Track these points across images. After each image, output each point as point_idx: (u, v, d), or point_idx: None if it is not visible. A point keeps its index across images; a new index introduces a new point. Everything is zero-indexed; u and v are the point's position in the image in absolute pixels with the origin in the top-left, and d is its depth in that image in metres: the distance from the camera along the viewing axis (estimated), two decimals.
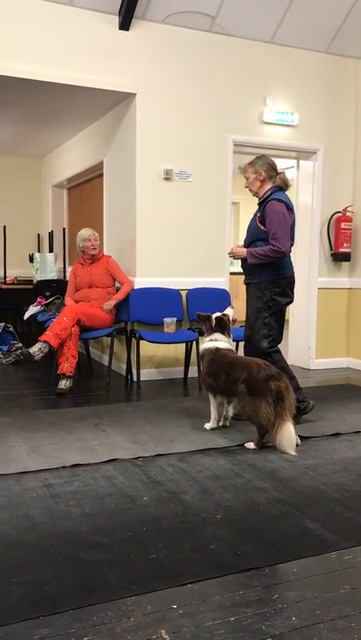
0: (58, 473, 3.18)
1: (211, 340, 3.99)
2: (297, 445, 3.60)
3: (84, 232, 5.66)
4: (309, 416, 4.22)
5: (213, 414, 4.02)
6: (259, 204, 4.17)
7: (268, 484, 3.06)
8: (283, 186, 4.14)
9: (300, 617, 1.93)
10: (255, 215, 4.19)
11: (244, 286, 4.30)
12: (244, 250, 4.13)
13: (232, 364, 3.77)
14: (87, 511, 2.70)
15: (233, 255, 4.26)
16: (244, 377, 3.62)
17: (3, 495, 2.87)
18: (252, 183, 4.15)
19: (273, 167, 4.14)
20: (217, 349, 3.91)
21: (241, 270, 4.32)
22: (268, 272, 4.08)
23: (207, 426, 4.03)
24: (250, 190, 4.23)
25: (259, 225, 4.08)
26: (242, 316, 4.26)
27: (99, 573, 2.17)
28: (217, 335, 3.99)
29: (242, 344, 4.46)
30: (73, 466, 3.27)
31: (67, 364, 5.03)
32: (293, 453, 3.51)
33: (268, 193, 4.10)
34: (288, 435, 3.51)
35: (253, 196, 4.25)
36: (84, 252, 5.67)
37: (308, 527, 2.58)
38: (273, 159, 4.23)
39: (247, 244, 4.20)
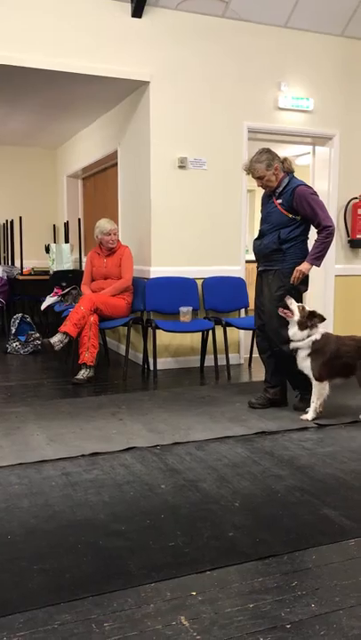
0: (77, 461, 3.20)
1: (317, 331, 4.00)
2: None
3: (105, 225, 5.58)
4: (327, 404, 4.20)
5: (317, 403, 3.98)
6: (276, 193, 4.12)
7: (285, 472, 3.06)
8: (291, 171, 4.12)
9: (319, 604, 1.93)
10: (271, 203, 4.15)
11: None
12: (305, 264, 4.03)
13: (352, 340, 3.99)
14: (106, 499, 2.72)
15: (299, 278, 4.07)
16: None
17: (22, 484, 2.90)
18: (270, 179, 4.09)
19: (278, 156, 4.11)
20: (328, 334, 4.06)
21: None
22: (292, 259, 4.06)
23: (309, 416, 3.98)
24: (265, 187, 4.16)
25: (286, 213, 4.05)
26: (251, 304, 4.23)
27: (118, 560, 2.19)
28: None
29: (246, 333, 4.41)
30: (91, 454, 3.30)
31: (87, 354, 5.05)
32: None
33: (287, 181, 4.08)
34: None
35: (266, 189, 4.19)
36: (102, 244, 5.66)
37: (326, 515, 2.58)
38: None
39: (265, 232, 4.17)
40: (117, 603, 1.93)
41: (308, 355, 3.95)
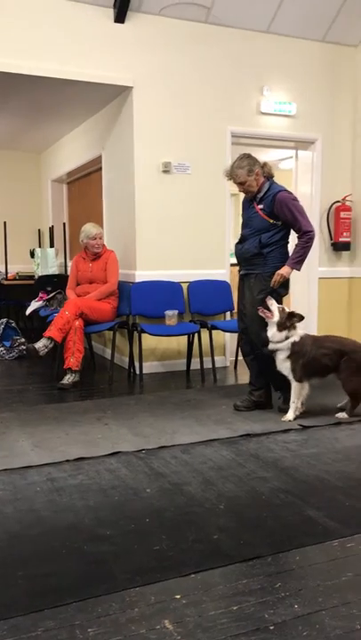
0: (61, 467, 3.20)
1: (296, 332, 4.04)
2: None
3: (91, 229, 5.60)
4: (311, 405, 4.23)
5: (297, 403, 4.05)
6: (257, 198, 4.14)
7: (270, 474, 3.08)
8: (271, 175, 4.16)
9: (302, 605, 1.95)
10: (252, 208, 4.17)
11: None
12: (285, 268, 4.07)
13: (330, 342, 4.09)
14: (91, 504, 2.72)
15: (279, 282, 4.09)
16: (351, 353, 3.99)
17: (7, 490, 2.89)
18: (251, 185, 4.11)
19: (259, 161, 4.14)
20: (307, 335, 4.14)
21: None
22: (273, 263, 4.10)
23: (290, 416, 4.03)
24: (247, 192, 4.18)
25: (267, 218, 4.08)
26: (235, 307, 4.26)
27: (103, 565, 2.19)
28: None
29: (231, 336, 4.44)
30: (76, 459, 3.30)
31: (72, 359, 5.04)
32: None
33: (268, 186, 4.11)
34: None
35: (247, 194, 4.21)
36: (87, 249, 5.66)
37: (310, 516, 2.60)
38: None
39: (246, 236, 4.20)
40: (102, 608, 1.94)
41: (288, 356, 3.99)
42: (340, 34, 5.99)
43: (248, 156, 4.13)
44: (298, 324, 4.05)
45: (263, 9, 5.57)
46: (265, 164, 4.16)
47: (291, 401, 4.05)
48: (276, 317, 3.97)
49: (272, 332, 4.00)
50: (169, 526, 2.50)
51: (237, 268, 4.40)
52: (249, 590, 2.03)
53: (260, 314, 4.02)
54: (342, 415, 4.07)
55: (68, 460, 3.28)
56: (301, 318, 4.04)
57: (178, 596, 2.00)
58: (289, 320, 3.98)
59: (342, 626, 1.83)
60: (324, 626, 1.84)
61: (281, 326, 3.97)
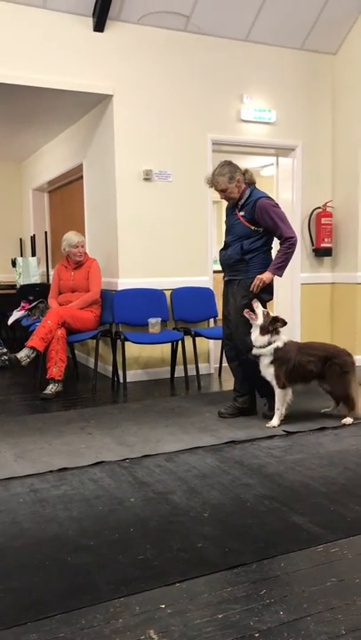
0: (45, 477, 3.17)
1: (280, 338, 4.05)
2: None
3: (72, 237, 5.58)
4: (295, 411, 4.24)
5: (282, 409, 4.06)
6: (239, 205, 4.16)
7: (254, 481, 3.07)
8: (253, 182, 4.18)
9: (287, 611, 1.94)
10: (235, 215, 4.19)
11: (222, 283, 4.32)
12: (266, 273, 4.08)
13: (313, 349, 4.13)
14: (74, 515, 2.70)
15: (258, 286, 4.08)
16: (333, 358, 4.04)
17: None
18: (232, 192, 4.12)
19: (240, 168, 4.16)
20: (291, 342, 4.16)
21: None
22: (255, 269, 4.11)
23: (275, 422, 4.03)
24: (228, 199, 4.19)
25: (248, 225, 4.10)
26: (219, 314, 4.27)
27: (87, 576, 2.17)
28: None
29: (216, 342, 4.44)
30: (60, 470, 3.27)
31: (55, 369, 5.01)
32: None
33: (249, 192, 4.12)
34: None
35: (229, 201, 4.23)
36: (70, 257, 5.64)
37: (294, 522, 2.60)
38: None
39: (229, 243, 4.22)
40: (85, 619, 1.91)
41: (271, 362, 4.00)
42: (318, 42, 6.06)
43: (229, 164, 4.15)
44: (282, 330, 4.06)
45: (242, 18, 5.62)
46: (246, 171, 4.18)
47: (275, 407, 4.05)
48: (260, 321, 3.99)
49: (255, 335, 4.01)
50: (153, 535, 2.49)
51: (221, 274, 4.42)
52: (234, 598, 2.02)
53: (246, 315, 4.03)
54: (347, 420, 4.09)
55: (51, 471, 3.25)
56: (285, 323, 4.06)
57: (163, 606, 1.98)
58: (272, 324, 4.00)
59: (328, 631, 1.83)
60: (309, 632, 1.83)
61: (264, 330, 3.99)
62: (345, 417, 4.10)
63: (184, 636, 1.82)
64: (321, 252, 6.33)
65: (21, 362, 4.95)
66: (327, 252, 6.34)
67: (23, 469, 3.27)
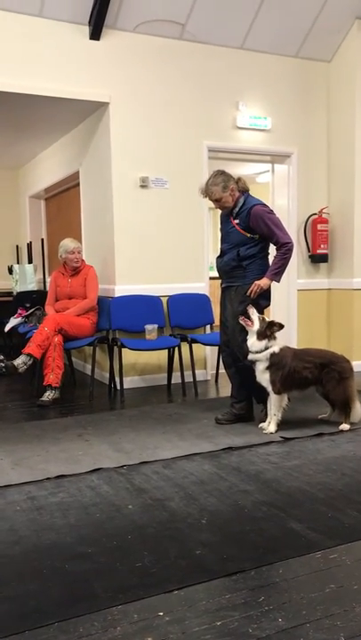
0: (42, 485, 3.16)
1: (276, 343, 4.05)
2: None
3: (69, 244, 5.59)
4: (292, 417, 4.24)
5: (278, 415, 4.06)
6: (234, 213, 4.17)
7: (252, 487, 3.07)
8: (246, 189, 4.19)
9: (286, 618, 1.94)
10: (229, 223, 4.20)
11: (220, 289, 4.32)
12: (264, 279, 4.09)
13: (310, 355, 4.12)
14: (72, 522, 2.69)
15: (256, 292, 4.09)
16: (332, 365, 4.04)
17: None
18: (226, 201, 4.13)
19: (233, 177, 4.17)
20: (287, 347, 4.14)
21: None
22: (252, 275, 4.12)
23: (272, 428, 4.03)
24: (223, 208, 4.20)
25: (244, 233, 4.11)
26: (216, 320, 4.27)
27: (84, 584, 2.16)
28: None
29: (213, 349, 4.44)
30: (57, 477, 3.26)
31: (52, 375, 5.00)
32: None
33: (243, 200, 4.14)
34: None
35: (223, 210, 4.23)
36: (66, 264, 5.64)
37: (292, 528, 2.60)
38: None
39: (225, 250, 4.23)
40: (83, 627, 1.91)
41: (267, 368, 4.00)
42: (313, 49, 6.10)
43: (222, 173, 4.16)
44: (278, 336, 4.06)
45: (237, 25, 5.66)
46: (239, 179, 4.19)
47: (273, 414, 4.05)
48: (257, 326, 3.99)
49: (252, 340, 4.02)
50: (151, 542, 2.48)
51: (218, 281, 4.43)
52: (233, 605, 2.02)
53: (241, 322, 4.04)
54: (344, 426, 4.08)
55: (48, 478, 3.24)
56: (281, 327, 4.06)
57: (161, 613, 1.97)
58: (269, 329, 4.00)
59: (327, 638, 1.83)
60: (308, 639, 1.83)
61: (261, 335, 3.99)
62: (342, 423, 4.10)
63: None
64: (317, 259, 6.34)
65: (18, 369, 4.94)
66: (323, 259, 6.35)
67: (20, 477, 3.26)
